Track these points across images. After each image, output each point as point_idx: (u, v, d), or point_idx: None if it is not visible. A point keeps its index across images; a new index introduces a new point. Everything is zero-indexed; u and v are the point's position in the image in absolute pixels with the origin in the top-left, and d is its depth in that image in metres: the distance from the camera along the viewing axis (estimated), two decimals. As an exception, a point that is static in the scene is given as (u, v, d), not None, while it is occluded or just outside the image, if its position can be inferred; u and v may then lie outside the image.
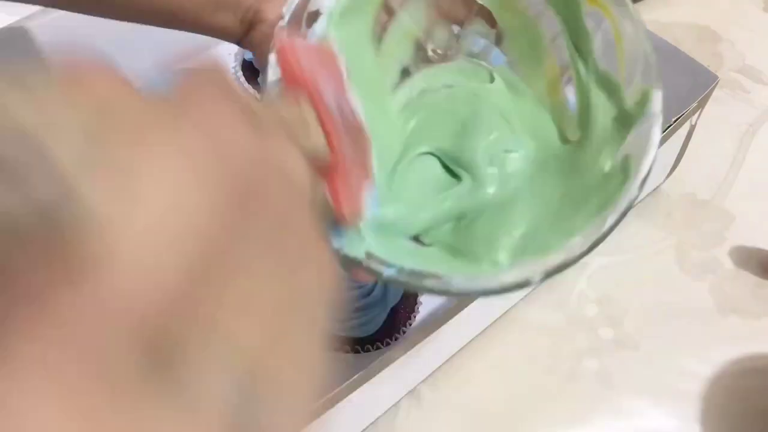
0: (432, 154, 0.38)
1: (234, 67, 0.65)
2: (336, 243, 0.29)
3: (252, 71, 0.65)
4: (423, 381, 0.55)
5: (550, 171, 0.36)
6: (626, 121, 0.34)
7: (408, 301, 0.53)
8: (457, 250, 0.34)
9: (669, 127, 0.56)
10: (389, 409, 0.53)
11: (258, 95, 0.39)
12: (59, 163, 0.15)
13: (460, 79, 0.39)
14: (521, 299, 0.59)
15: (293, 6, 0.33)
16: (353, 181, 0.28)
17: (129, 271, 0.15)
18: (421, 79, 0.39)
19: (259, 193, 0.19)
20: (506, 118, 0.37)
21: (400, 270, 0.29)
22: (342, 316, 0.50)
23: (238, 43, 0.43)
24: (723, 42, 0.82)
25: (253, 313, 0.18)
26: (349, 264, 0.29)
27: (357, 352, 0.52)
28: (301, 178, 0.22)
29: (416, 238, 0.35)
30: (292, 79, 0.26)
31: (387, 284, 0.51)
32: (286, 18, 0.33)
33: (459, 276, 0.30)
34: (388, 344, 0.52)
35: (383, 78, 0.38)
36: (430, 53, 0.40)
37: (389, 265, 0.29)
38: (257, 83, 0.63)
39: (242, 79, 0.65)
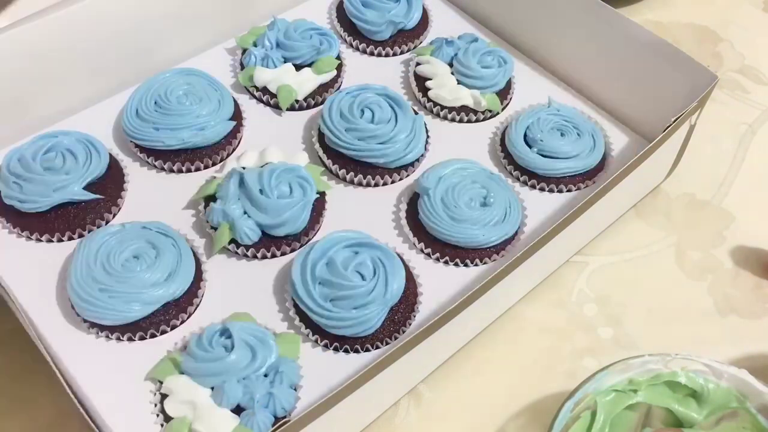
0: None
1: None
2: None
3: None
4: (423, 381, 0.55)
5: None
6: None
7: (408, 301, 0.53)
8: None
9: (669, 127, 0.56)
10: (389, 408, 0.53)
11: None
12: None
13: None
14: (521, 299, 0.59)
15: None
16: None
17: None
18: None
19: None
20: None
21: None
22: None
23: None
24: (723, 42, 0.82)
25: None
26: None
27: (357, 352, 0.52)
28: None
29: None
30: None
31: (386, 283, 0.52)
32: None
33: None
34: (388, 344, 0.52)
35: None
36: None
37: None
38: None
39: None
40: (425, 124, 0.64)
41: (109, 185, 0.58)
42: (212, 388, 0.47)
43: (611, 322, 0.59)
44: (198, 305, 0.54)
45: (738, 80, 0.78)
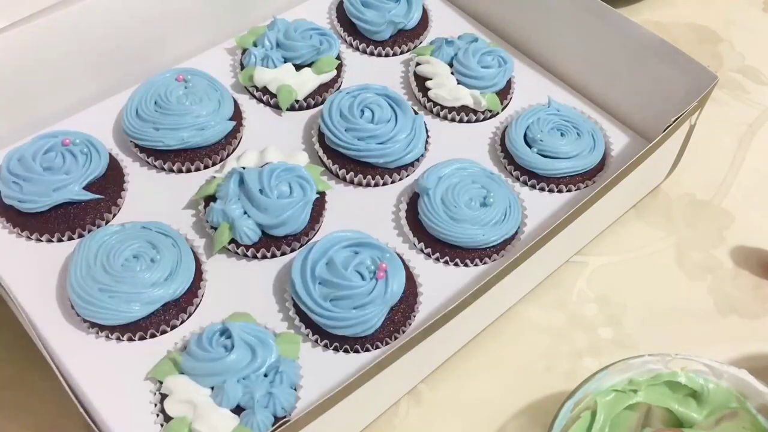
0: None
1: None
2: None
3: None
4: (423, 381, 0.55)
5: None
6: None
7: (408, 301, 0.53)
8: None
9: (669, 126, 0.56)
10: (389, 408, 0.53)
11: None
12: None
13: None
14: (521, 299, 0.59)
15: None
16: None
17: None
18: None
19: None
20: None
21: None
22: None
23: None
24: (723, 42, 0.82)
25: None
26: None
27: (357, 352, 0.52)
28: None
29: None
30: None
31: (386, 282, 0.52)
32: None
33: None
34: (388, 344, 0.52)
35: None
36: None
37: None
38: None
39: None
40: (425, 124, 0.64)
41: (109, 185, 0.58)
42: (212, 388, 0.47)
43: (611, 322, 0.59)
44: (198, 305, 0.54)
45: (738, 80, 0.78)
